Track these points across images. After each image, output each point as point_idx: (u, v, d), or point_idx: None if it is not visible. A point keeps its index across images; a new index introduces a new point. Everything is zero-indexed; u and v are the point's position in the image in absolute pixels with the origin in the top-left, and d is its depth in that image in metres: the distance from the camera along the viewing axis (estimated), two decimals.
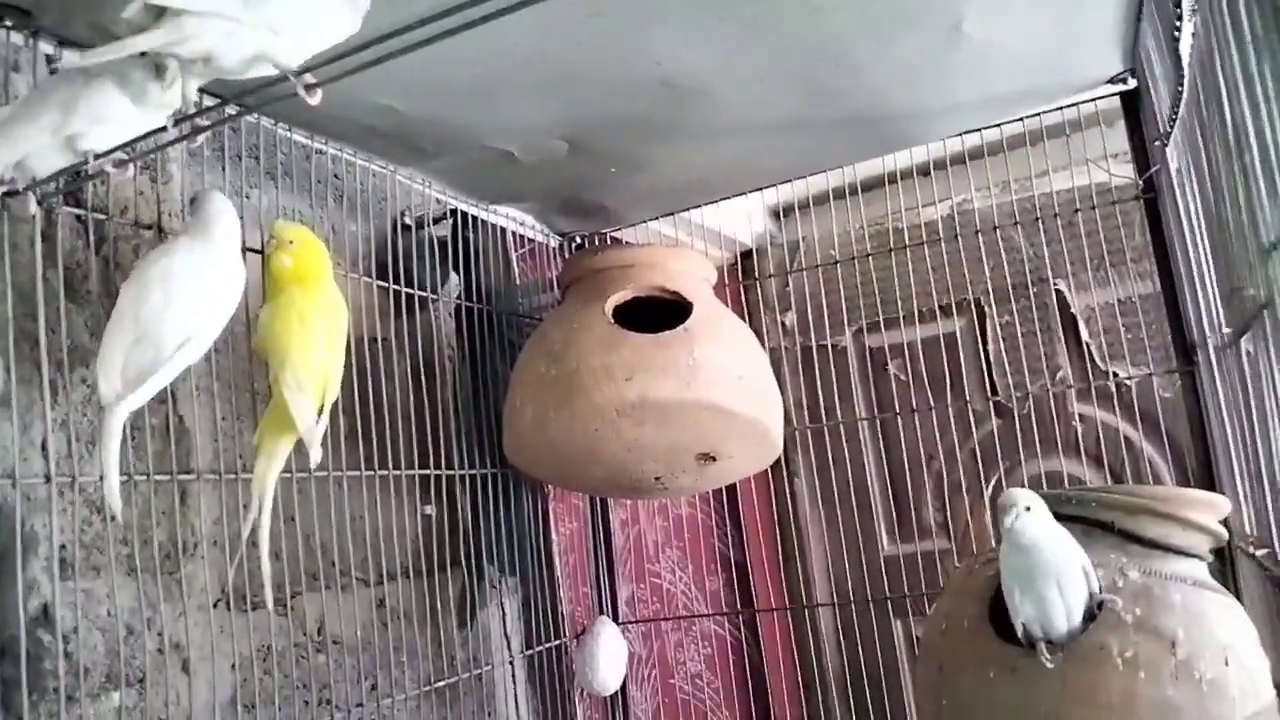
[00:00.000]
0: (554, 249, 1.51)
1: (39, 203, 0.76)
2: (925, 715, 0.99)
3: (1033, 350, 1.56)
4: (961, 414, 1.60)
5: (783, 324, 1.75)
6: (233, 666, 0.92)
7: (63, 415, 0.79)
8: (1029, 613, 0.84)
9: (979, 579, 0.94)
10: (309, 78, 0.63)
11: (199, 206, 0.80)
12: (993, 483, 1.60)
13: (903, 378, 1.64)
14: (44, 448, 0.77)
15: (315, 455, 0.83)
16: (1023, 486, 0.90)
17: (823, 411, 1.55)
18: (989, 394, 1.63)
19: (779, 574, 1.77)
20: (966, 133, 1.28)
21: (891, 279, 1.40)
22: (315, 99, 0.63)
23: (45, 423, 0.77)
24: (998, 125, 1.27)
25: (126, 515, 0.81)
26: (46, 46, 0.81)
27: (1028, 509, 0.84)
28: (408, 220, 1.25)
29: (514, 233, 1.41)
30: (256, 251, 0.90)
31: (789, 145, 1.25)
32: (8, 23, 0.77)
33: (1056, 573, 0.83)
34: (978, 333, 1.66)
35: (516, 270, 1.46)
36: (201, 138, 0.79)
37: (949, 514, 1.64)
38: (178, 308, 0.74)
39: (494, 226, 1.36)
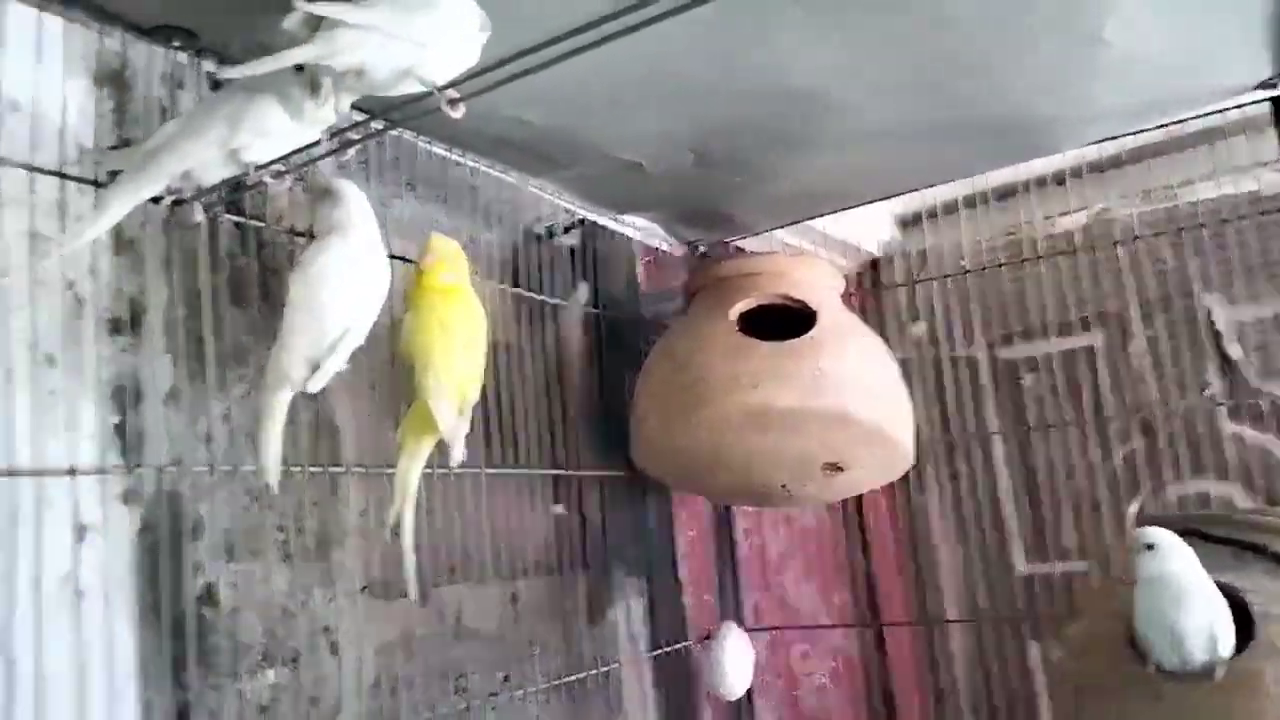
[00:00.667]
0: (679, 257, 1.53)
1: (205, 211, 0.83)
2: None
3: (1179, 366, 1.49)
4: (1102, 431, 1.54)
5: (911, 334, 1.72)
6: (376, 651, 0.97)
7: (224, 409, 0.85)
8: (1162, 647, 0.80)
9: (1119, 601, 0.90)
10: (452, 93, 0.66)
11: (339, 201, 0.84)
12: (1136, 503, 1.53)
13: (1039, 392, 1.59)
14: (208, 439, 0.83)
15: (457, 455, 0.86)
16: (1168, 507, 0.87)
17: (954, 424, 1.52)
18: (1132, 410, 1.56)
19: (908, 589, 1.73)
20: (1106, 140, 1.24)
21: (1025, 290, 1.37)
22: (459, 113, 0.67)
23: (209, 416, 0.83)
24: (1139, 132, 1.22)
25: (282, 504, 0.87)
26: (209, 65, 0.88)
27: (1149, 547, 0.82)
28: (539, 230, 1.29)
29: (640, 241, 1.44)
30: (397, 259, 0.95)
31: (918, 153, 1.23)
32: (174, 43, 0.84)
33: (1187, 607, 0.80)
34: (1120, 347, 1.60)
35: (643, 278, 1.49)
36: (350, 151, 0.84)
37: (1087, 535, 1.58)
38: (341, 300, 0.80)
39: (621, 235, 1.40)
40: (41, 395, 0.73)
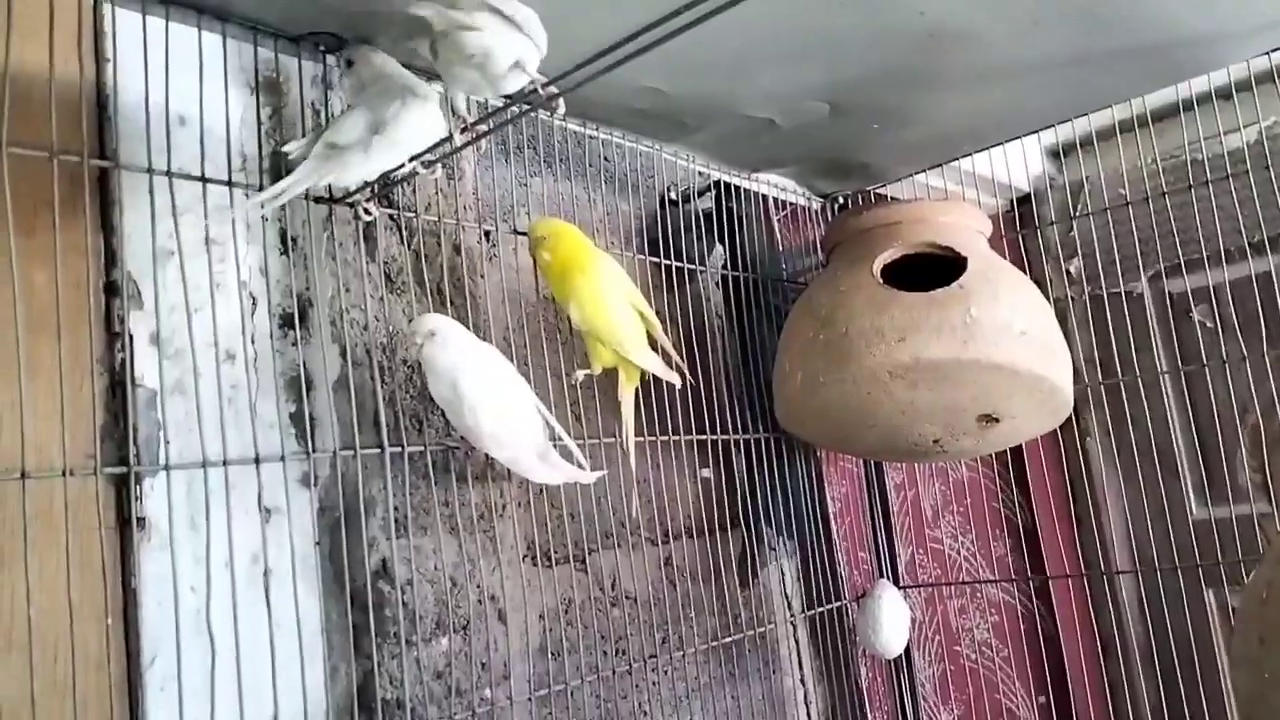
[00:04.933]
0: (816, 211, 1.50)
1: (364, 204, 0.86)
2: (1242, 689, 0.91)
3: None
4: None
5: (1068, 273, 1.64)
6: (540, 617, 1.01)
7: (389, 392, 0.90)
8: None
9: None
10: (552, 89, 0.67)
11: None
12: None
13: (1210, 324, 1.49)
14: (375, 422, 0.87)
15: (677, 380, 1.04)
16: None
17: (1118, 365, 1.44)
18: None
19: (1072, 539, 1.67)
20: (1274, 50, 1.14)
21: (1192, 216, 1.28)
22: (561, 109, 0.68)
23: (377, 400, 0.87)
24: None
25: (445, 480, 0.91)
26: None
27: None
28: (673, 196, 1.29)
29: (775, 199, 1.42)
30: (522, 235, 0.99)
31: (1066, 82, 1.16)
32: (322, 48, 0.88)
33: None
34: None
35: (779, 236, 1.47)
36: (485, 140, 0.86)
37: (1268, 473, 1.48)
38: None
39: (755, 195, 1.38)
40: (224, 390, 0.78)
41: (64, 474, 0.68)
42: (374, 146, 0.75)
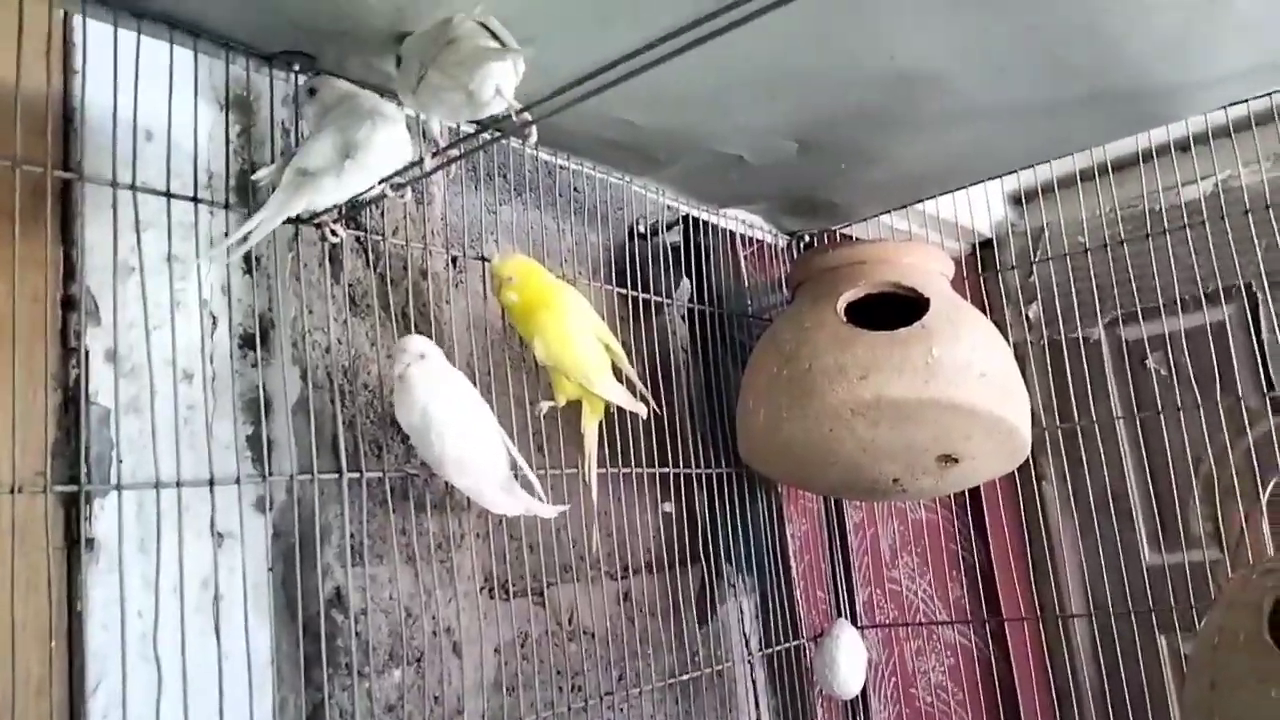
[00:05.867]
0: (782, 248, 1.51)
1: (331, 225, 0.85)
2: None
3: None
4: (1233, 412, 1.46)
5: (1027, 317, 1.67)
6: (495, 650, 0.99)
7: (349, 417, 0.88)
8: None
9: (1256, 590, 0.86)
10: (526, 115, 0.67)
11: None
12: (1270, 486, 1.45)
13: (1164, 372, 1.52)
14: (334, 447, 0.85)
15: (643, 410, 1.05)
16: None
17: (1074, 410, 1.46)
18: (1266, 389, 1.48)
19: (1027, 582, 1.68)
20: (1233, 104, 1.18)
21: (1149, 265, 1.31)
22: (533, 137, 0.69)
23: (336, 424, 0.86)
24: (1269, 94, 1.15)
25: (403, 508, 0.90)
26: None
27: None
28: (642, 229, 1.29)
29: (742, 235, 1.43)
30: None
31: (1032, 128, 1.19)
32: (295, 67, 0.87)
33: None
34: (1249, 322, 1.51)
35: (745, 272, 1.48)
36: (455, 165, 0.86)
37: (1220, 521, 1.50)
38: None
39: (723, 230, 1.39)
40: (180, 410, 0.76)
41: (12, 490, 0.66)
42: (346, 170, 0.75)
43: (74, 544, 0.72)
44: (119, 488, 0.72)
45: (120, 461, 0.73)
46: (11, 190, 0.67)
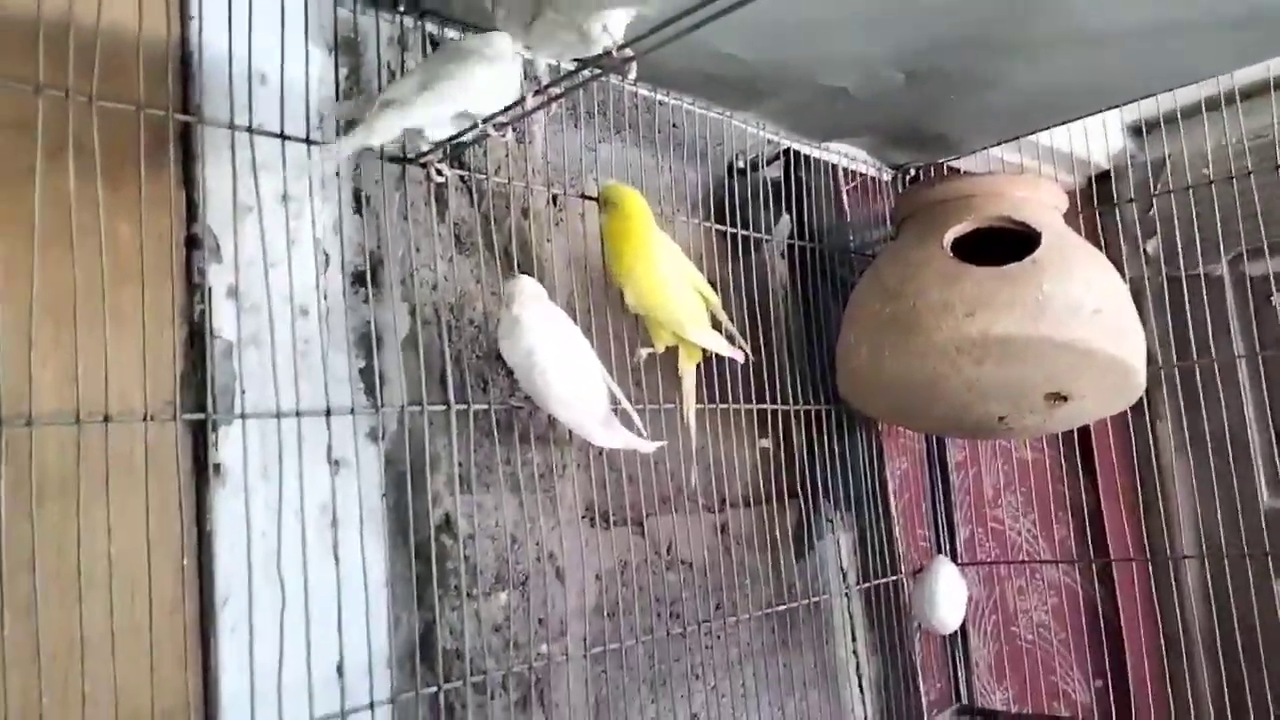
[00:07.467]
0: (886, 183, 1.47)
1: (436, 165, 0.87)
2: None
3: None
4: None
5: (1145, 253, 1.59)
6: (597, 577, 1.02)
7: (456, 351, 0.91)
8: None
9: None
10: (627, 51, 0.66)
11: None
12: None
13: None
14: (442, 380, 0.88)
15: (740, 356, 1.05)
16: None
17: (1193, 349, 1.40)
18: None
19: (1136, 523, 1.64)
20: None
21: (1277, 198, 1.23)
22: (632, 74, 0.68)
23: (444, 358, 0.89)
24: None
25: (508, 439, 0.92)
26: (431, 27, 0.93)
27: None
28: (741, 164, 1.27)
29: (844, 169, 1.40)
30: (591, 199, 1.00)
31: (1156, 53, 1.12)
32: (400, 8, 0.88)
33: None
34: None
35: (848, 207, 1.45)
36: (555, 104, 0.86)
37: None
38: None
39: (825, 164, 1.36)
40: (298, 343, 0.80)
41: (145, 419, 0.70)
42: (422, 101, 0.74)
43: (202, 470, 0.76)
44: (243, 416, 0.76)
45: (244, 392, 0.77)
46: (136, 134, 0.70)
